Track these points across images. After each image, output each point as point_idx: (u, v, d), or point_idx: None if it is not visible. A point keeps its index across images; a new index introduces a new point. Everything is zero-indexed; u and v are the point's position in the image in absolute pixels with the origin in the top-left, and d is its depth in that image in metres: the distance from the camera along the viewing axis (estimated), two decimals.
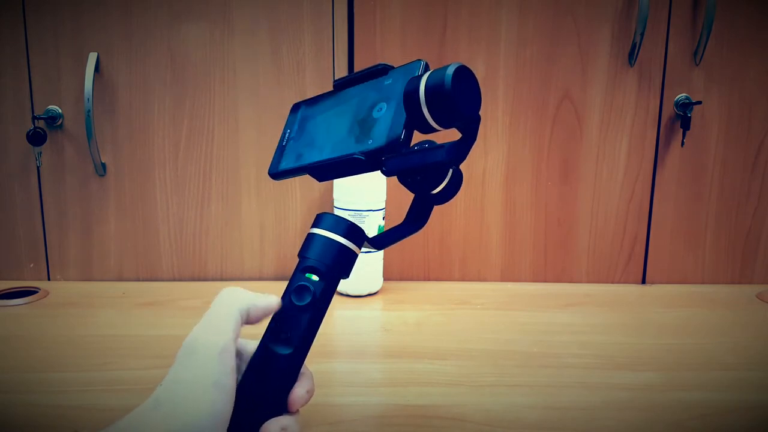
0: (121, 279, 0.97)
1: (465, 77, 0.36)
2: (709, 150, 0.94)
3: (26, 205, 0.95)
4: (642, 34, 0.88)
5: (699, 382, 0.63)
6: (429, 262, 0.98)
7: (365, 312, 0.85)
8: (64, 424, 0.54)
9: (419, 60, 0.39)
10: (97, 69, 0.90)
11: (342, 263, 0.41)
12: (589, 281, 0.98)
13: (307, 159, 0.44)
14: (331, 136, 0.43)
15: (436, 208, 0.45)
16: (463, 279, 0.98)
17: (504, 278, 0.98)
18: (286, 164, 0.45)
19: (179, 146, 0.94)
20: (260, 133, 0.94)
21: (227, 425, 0.36)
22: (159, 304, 0.86)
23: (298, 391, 0.40)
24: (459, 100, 0.35)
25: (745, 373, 0.65)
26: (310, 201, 0.96)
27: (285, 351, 0.39)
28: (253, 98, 0.93)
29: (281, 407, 0.40)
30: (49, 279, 0.97)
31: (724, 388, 0.62)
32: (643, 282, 0.98)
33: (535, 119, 0.93)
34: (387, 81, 0.41)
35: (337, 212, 0.89)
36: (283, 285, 0.42)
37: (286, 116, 0.51)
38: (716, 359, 0.69)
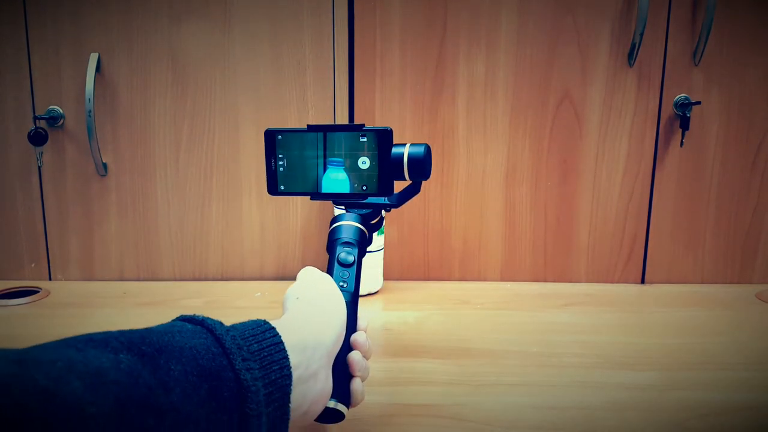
0: (122, 279, 0.98)
1: (429, 152, 0.57)
2: (709, 150, 0.94)
3: (27, 205, 0.95)
4: (642, 34, 0.88)
5: (699, 382, 0.63)
6: (429, 262, 0.98)
7: (365, 312, 0.85)
8: None
9: (387, 128, 0.56)
10: (98, 69, 0.91)
11: (364, 241, 0.57)
12: (588, 281, 0.98)
13: (308, 188, 0.60)
14: (328, 173, 0.59)
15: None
16: (463, 279, 0.98)
17: (504, 278, 0.98)
18: (286, 188, 0.61)
19: (180, 146, 0.94)
20: (261, 133, 0.94)
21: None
22: (160, 303, 0.86)
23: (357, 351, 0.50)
24: (426, 166, 0.57)
25: (745, 373, 0.65)
26: (310, 201, 0.96)
27: (347, 291, 0.53)
28: (253, 98, 0.93)
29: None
30: (50, 279, 0.97)
31: (724, 388, 0.62)
32: (643, 282, 0.98)
33: (535, 119, 0.94)
34: (363, 138, 0.57)
35: (336, 211, 0.89)
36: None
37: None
38: (716, 359, 0.69)
